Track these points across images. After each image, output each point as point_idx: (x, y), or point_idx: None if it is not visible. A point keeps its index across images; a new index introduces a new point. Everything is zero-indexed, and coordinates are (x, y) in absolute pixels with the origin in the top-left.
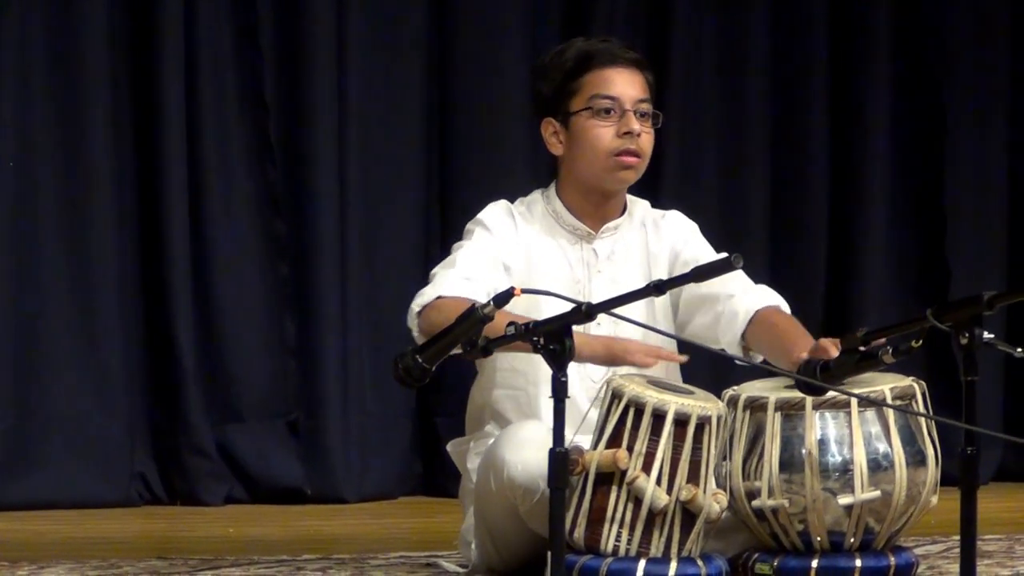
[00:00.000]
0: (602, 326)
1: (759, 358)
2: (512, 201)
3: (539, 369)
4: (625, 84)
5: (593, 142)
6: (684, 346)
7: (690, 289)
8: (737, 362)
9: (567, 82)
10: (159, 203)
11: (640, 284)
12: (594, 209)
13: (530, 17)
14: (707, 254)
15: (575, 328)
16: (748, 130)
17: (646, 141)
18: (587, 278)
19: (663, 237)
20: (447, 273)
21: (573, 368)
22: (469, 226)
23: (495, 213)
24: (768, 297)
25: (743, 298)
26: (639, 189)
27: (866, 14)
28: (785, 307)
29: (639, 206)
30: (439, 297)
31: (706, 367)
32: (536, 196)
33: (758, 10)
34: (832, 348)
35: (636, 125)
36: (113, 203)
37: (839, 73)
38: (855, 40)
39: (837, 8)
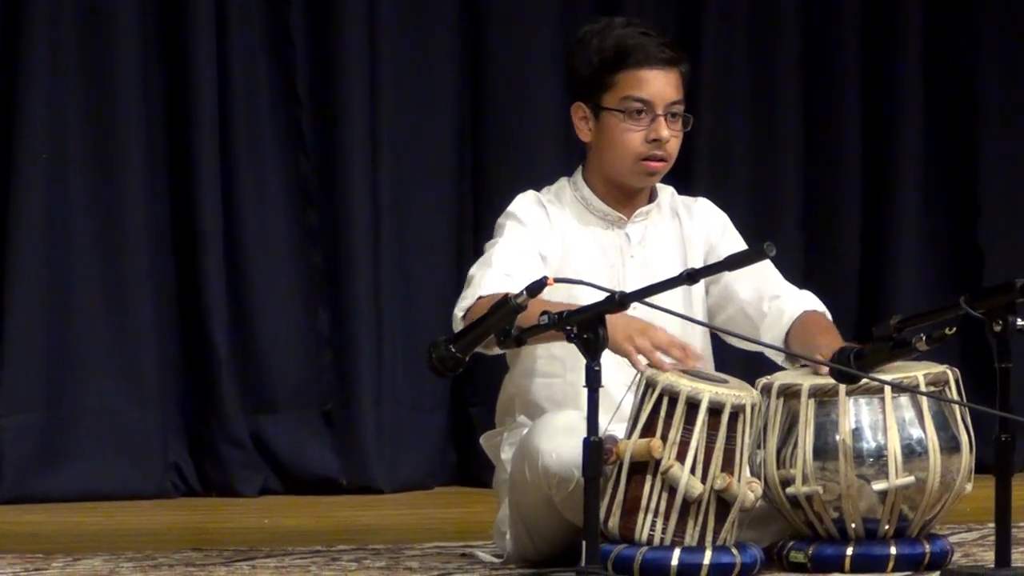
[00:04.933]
0: (637, 310)
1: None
2: (538, 190)
3: (577, 357)
4: (660, 85)
5: (621, 144)
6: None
7: (730, 284)
8: (769, 353)
9: (602, 74)
10: (192, 195)
11: (673, 268)
12: (623, 196)
13: (562, 7)
14: (742, 248)
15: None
16: (780, 118)
17: (673, 145)
18: (621, 263)
19: (696, 222)
20: (485, 272)
21: (608, 354)
22: (500, 220)
23: (525, 204)
24: (813, 302)
25: (789, 300)
26: (669, 179)
27: (899, 2)
28: (828, 315)
29: (666, 192)
30: (480, 298)
31: (740, 357)
32: (563, 184)
33: None
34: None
35: (665, 132)
36: (146, 195)
37: (871, 59)
38: (888, 27)
39: None
